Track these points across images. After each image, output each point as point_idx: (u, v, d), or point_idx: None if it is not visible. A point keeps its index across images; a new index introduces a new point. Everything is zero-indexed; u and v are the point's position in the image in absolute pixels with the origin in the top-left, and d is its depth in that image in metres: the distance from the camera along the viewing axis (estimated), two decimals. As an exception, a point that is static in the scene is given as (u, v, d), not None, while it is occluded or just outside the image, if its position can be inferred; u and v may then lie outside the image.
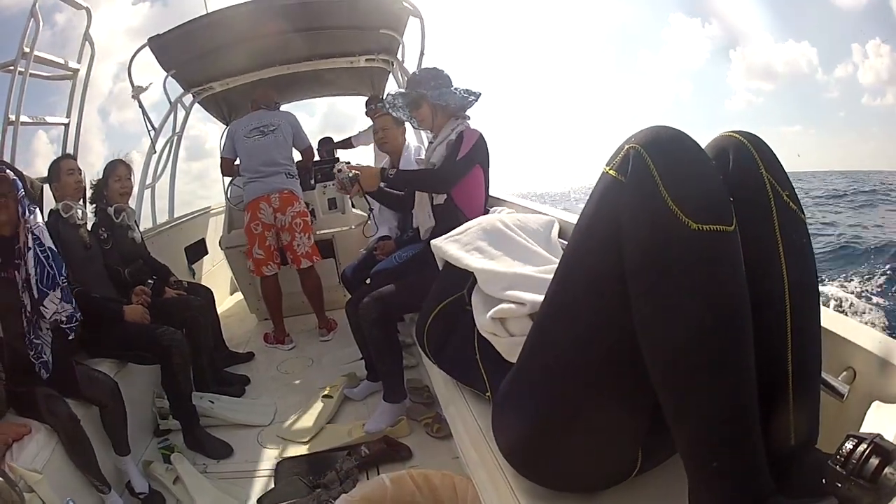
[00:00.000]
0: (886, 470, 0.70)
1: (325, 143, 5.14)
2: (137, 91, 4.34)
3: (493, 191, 2.75)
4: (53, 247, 2.14)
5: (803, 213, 0.95)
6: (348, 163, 2.63)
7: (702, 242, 0.80)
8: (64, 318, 2.15)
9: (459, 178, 2.51)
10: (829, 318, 1.07)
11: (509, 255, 1.53)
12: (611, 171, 0.89)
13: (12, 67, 2.88)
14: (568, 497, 1.10)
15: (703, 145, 0.93)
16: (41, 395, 2.05)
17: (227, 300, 5.57)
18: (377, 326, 2.48)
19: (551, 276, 1.05)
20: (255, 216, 3.84)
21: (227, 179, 4.43)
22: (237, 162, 4.05)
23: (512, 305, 1.26)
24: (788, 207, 0.93)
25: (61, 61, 3.41)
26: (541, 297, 1.10)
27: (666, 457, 1.10)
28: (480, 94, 2.56)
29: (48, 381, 2.13)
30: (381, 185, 2.70)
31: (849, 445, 0.73)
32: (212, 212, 5.52)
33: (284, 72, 4.74)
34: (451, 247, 1.60)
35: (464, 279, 1.55)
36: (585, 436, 1.00)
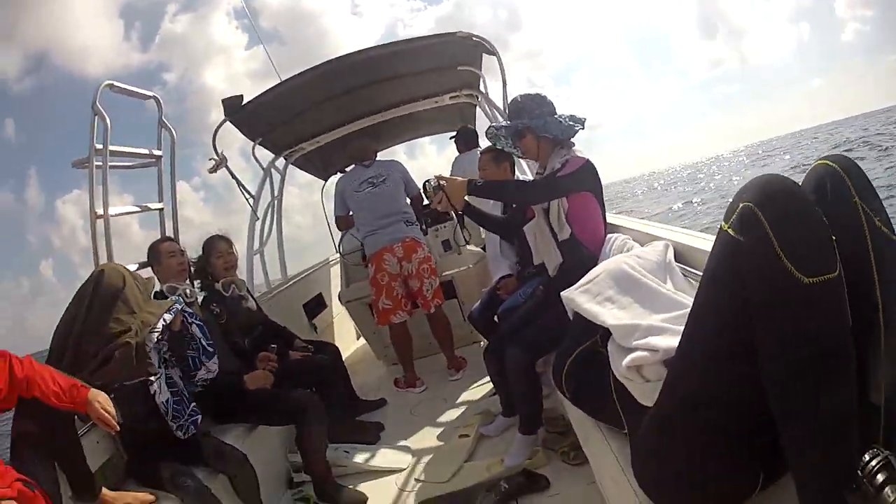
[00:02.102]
0: (887, 488, 0.88)
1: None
2: (215, 166, 4.38)
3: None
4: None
5: (894, 234, 1.02)
6: (440, 175, 2.56)
7: (813, 294, 0.89)
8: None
9: (553, 195, 2.45)
10: None
11: (639, 301, 1.56)
12: (729, 230, 0.98)
13: (87, 165, 2.92)
14: None
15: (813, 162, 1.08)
16: (167, 472, 2.13)
17: (352, 348, 5.67)
18: (525, 375, 2.48)
19: (680, 321, 1.19)
20: (381, 267, 3.90)
21: (339, 234, 4.53)
22: (351, 214, 4.14)
23: (646, 353, 1.31)
24: (881, 232, 1.00)
25: (144, 151, 3.46)
26: (673, 343, 1.19)
27: (780, 474, 1.17)
28: (585, 119, 2.47)
29: (174, 455, 2.22)
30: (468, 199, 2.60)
31: (867, 457, 0.92)
32: (330, 263, 5.65)
33: (371, 122, 4.84)
34: (583, 298, 1.65)
35: (596, 327, 1.59)
36: (718, 467, 1.14)
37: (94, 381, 2.04)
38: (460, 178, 2.49)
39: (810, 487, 0.95)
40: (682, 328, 1.16)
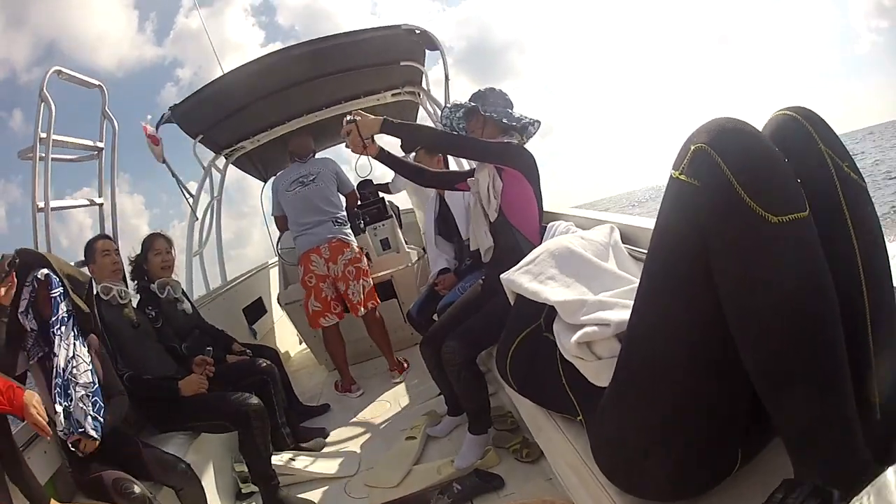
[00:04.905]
0: None
1: (366, 185, 5.13)
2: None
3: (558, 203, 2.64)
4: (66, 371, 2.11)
5: (864, 180, 0.96)
6: (357, 111, 2.46)
7: (783, 233, 0.82)
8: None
9: (474, 154, 2.42)
10: None
11: (584, 278, 1.49)
12: (681, 176, 0.90)
13: (31, 155, 2.89)
14: None
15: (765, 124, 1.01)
16: (109, 480, 2.02)
17: (295, 354, 5.60)
18: (465, 368, 2.40)
19: (630, 296, 1.10)
20: (308, 269, 3.86)
21: (277, 235, 4.46)
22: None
23: (595, 328, 1.24)
24: (850, 178, 0.95)
25: (88, 142, 3.42)
26: (625, 316, 1.12)
27: (761, 448, 1.11)
28: (539, 122, 2.49)
29: (117, 464, 2.12)
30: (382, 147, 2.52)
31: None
32: (269, 266, 5.58)
33: (313, 120, 4.76)
34: (524, 279, 1.57)
35: (538, 308, 1.52)
36: (688, 442, 1.02)
37: None
38: (374, 117, 2.39)
39: (801, 459, 0.87)
40: (632, 302, 1.08)
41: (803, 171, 0.91)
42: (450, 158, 3.65)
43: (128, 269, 3.01)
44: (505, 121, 2.45)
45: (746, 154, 0.85)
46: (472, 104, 2.48)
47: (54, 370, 2.05)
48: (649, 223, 1.87)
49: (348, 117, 2.39)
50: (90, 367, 2.16)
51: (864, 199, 0.95)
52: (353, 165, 2.61)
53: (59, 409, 1.99)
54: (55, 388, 2.02)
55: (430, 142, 2.67)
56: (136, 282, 3.07)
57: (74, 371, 2.09)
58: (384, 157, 2.52)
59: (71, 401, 2.03)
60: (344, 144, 2.48)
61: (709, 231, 0.87)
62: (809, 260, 0.84)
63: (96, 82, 3.42)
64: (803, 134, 0.96)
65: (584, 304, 1.32)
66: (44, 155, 2.89)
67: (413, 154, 3.61)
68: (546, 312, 1.50)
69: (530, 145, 2.55)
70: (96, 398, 2.10)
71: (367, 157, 2.50)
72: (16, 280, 2.07)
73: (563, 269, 1.52)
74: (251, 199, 4.85)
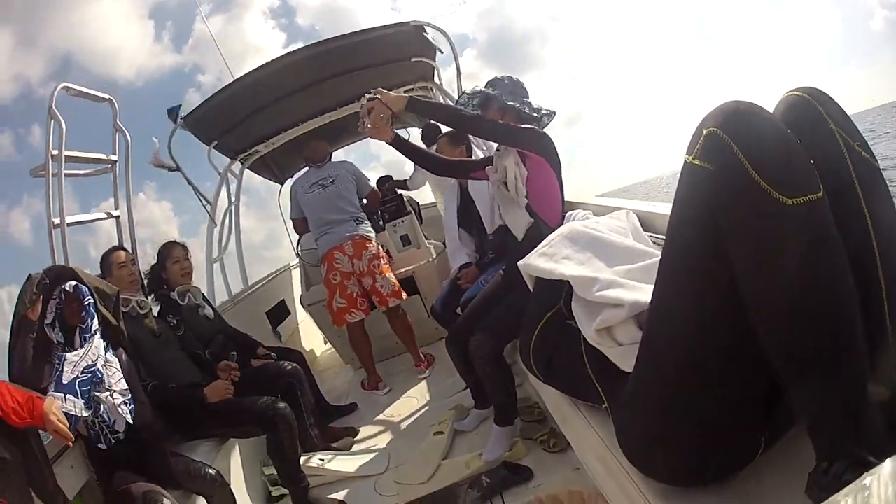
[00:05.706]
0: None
1: (385, 181, 5.12)
2: (158, 163, 4.27)
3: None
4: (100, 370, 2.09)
5: (875, 159, 0.96)
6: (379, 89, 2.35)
7: (798, 215, 0.81)
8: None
9: (503, 138, 2.36)
10: None
11: (599, 255, 1.48)
12: (694, 161, 0.90)
13: (44, 172, 2.89)
14: (700, 490, 1.09)
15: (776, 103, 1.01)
16: (139, 493, 2.01)
17: (321, 354, 5.61)
18: (492, 362, 2.41)
19: (644, 273, 1.12)
20: (332, 267, 3.86)
21: (296, 238, 4.48)
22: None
23: (613, 310, 1.23)
24: (862, 157, 0.95)
25: (100, 156, 3.41)
26: (638, 296, 1.13)
27: (785, 431, 1.09)
28: (555, 112, 2.47)
29: (146, 475, 2.10)
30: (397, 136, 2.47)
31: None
32: (291, 268, 5.60)
33: (327, 120, 4.76)
34: (540, 261, 1.57)
35: (557, 291, 1.52)
36: (713, 426, 1.01)
37: None
38: (398, 94, 2.31)
39: (819, 441, 0.85)
40: (645, 282, 1.09)
41: (815, 152, 0.90)
42: (474, 150, 3.62)
43: (146, 279, 3.02)
44: (527, 110, 2.42)
45: (759, 136, 0.84)
46: (492, 91, 2.43)
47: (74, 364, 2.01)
48: (667, 209, 1.84)
49: (368, 95, 2.31)
50: (123, 375, 2.16)
51: (876, 178, 0.95)
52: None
53: (79, 402, 1.95)
54: (71, 382, 1.98)
55: (455, 122, 2.53)
56: (154, 291, 3.08)
57: (109, 378, 2.08)
58: (399, 143, 2.48)
59: (99, 401, 2.02)
60: (359, 128, 2.38)
61: (723, 214, 0.87)
62: (825, 240, 0.83)
63: (105, 96, 3.42)
64: (814, 114, 0.96)
65: (596, 280, 1.32)
66: (56, 171, 2.90)
67: (435, 146, 3.57)
68: (566, 295, 1.49)
69: (553, 135, 2.49)
70: (132, 405, 2.12)
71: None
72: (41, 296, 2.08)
73: (579, 247, 1.52)
74: (283, 198, 4.81)
